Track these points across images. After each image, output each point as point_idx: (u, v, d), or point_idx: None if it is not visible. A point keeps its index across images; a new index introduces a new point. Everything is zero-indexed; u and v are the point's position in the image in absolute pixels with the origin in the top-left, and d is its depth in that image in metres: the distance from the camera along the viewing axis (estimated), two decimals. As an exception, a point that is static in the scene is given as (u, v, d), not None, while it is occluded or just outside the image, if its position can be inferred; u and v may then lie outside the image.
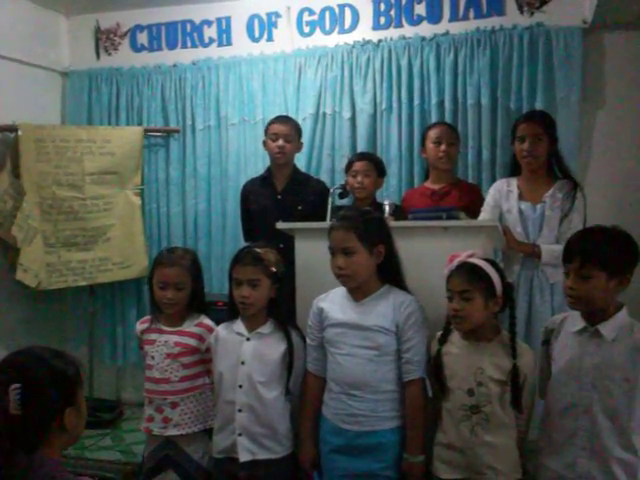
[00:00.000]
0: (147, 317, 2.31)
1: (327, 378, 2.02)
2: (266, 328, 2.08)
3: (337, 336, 1.98)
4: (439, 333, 1.97)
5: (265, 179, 3.12)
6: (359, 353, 1.93)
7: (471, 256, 1.89)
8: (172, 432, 2.15)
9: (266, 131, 3.08)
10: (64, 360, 1.37)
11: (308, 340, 2.08)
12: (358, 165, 2.88)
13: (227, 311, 2.16)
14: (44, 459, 1.30)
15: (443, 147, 2.90)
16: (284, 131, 2.99)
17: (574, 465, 1.78)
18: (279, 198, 3.04)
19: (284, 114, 3.31)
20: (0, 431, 1.28)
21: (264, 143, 3.10)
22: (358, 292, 1.99)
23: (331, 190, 2.71)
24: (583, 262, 1.74)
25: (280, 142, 2.98)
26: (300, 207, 2.94)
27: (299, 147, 3.14)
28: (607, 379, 1.74)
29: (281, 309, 2.10)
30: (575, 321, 1.85)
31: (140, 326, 2.29)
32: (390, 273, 2.00)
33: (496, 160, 3.21)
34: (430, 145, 2.94)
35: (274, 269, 2.05)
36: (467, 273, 1.85)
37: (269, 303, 2.08)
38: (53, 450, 1.33)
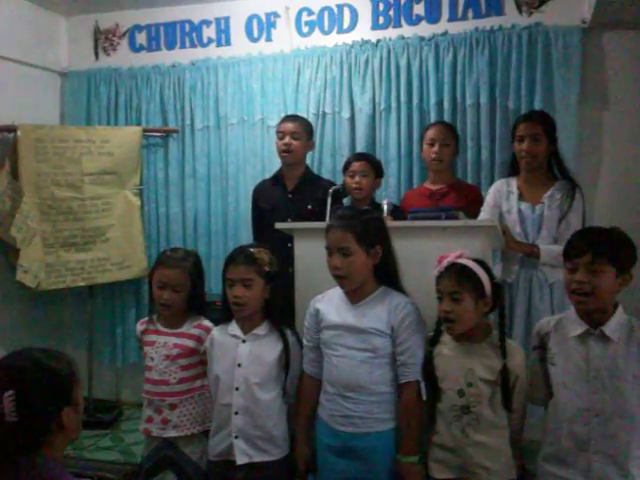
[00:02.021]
0: (146, 318, 2.31)
1: (323, 379, 2.01)
2: (262, 329, 2.06)
3: (333, 338, 1.97)
4: (430, 334, 1.97)
5: (276, 179, 3.12)
6: (354, 355, 1.92)
7: (459, 256, 1.89)
8: (171, 433, 2.15)
9: (277, 131, 3.09)
10: (57, 360, 1.36)
11: (305, 341, 2.08)
12: (356, 165, 2.87)
13: (221, 313, 2.15)
14: (46, 461, 1.29)
15: (435, 149, 2.90)
16: (290, 129, 2.99)
17: (589, 471, 1.76)
18: (290, 197, 3.04)
19: (292, 113, 3.31)
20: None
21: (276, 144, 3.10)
22: (355, 294, 1.98)
23: (330, 190, 2.70)
24: (595, 256, 1.74)
25: (286, 140, 2.98)
26: (310, 206, 2.94)
27: (309, 146, 3.12)
28: (618, 379, 1.74)
29: (277, 310, 2.09)
30: (572, 324, 1.83)
31: (140, 327, 2.29)
32: (387, 274, 1.99)
33: (495, 160, 3.21)
34: (425, 146, 2.95)
35: (267, 269, 2.04)
36: (456, 274, 1.85)
37: (264, 304, 2.07)
38: (54, 449, 1.32)
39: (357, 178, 2.85)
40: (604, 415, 1.75)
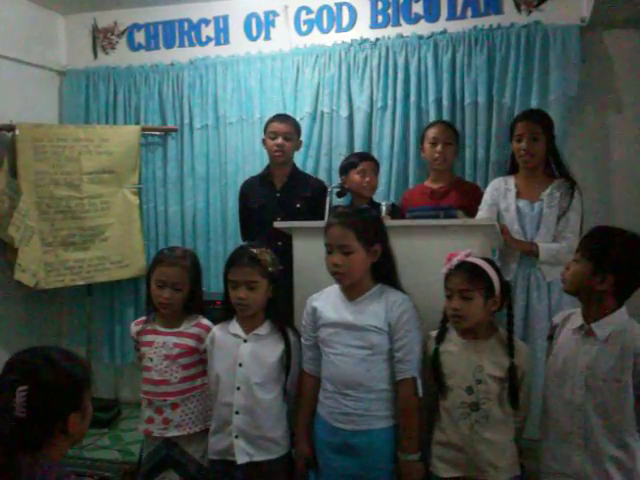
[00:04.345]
0: (142, 318, 2.29)
1: (322, 377, 2.01)
2: (263, 329, 2.06)
3: (330, 336, 1.97)
4: (435, 332, 1.98)
5: (264, 177, 3.12)
6: (352, 352, 1.92)
7: (468, 255, 1.90)
8: (173, 433, 2.14)
9: (265, 129, 3.08)
10: (74, 363, 1.36)
11: (303, 340, 2.08)
12: (366, 164, 2.90)
13: (222, 312, 2.15)
14: (47, 461, 1.29)
15: (438, 148, 2.91)
16: (283, 129, 3.00)
17: (569, 462, 1.79)
18: (278, 196, 3.04)
19: (283, 112, 3.31)
20: (4, 432, 1.26)
21: (263, 142, 3.10)
22: (352, 291, 1.98)
23: (329, 189, 2.71)
24: (578, 248, 1.83)
25: (279, 140, 2.98)
26: (299, 205, 2.95)
27: (298, 145, 3.14)
28: (598, 379, 1.75)
29: (278, 309, 2.09)
30: (577, 319, 1.86)
31: (135, 327, 2.27)
32: (384, 272, 1.99)
33: (490, 158, 3.20)
34: (427, 145, 2.96)
35: (270, 269, 2.04)
36: (467, 272, 1.86)
37: (266, 304, 2.07)
38: (56, 451, 1.32)
39: (368, 178, 2.87)
40: (584, 411, 1.77)
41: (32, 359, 1.33)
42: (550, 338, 1.97)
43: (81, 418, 1.35)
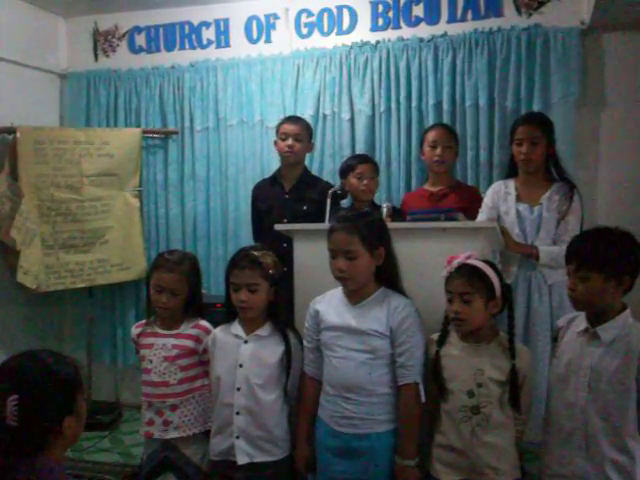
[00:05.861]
0: (142, 321, 2.31)
1: (323, 380, 2.01)
2: (264, 331, 2.06)
3: (332, 339, 1.97)
4: (436, 335, 1.97)
5: (275, 179, 3.14)
6: (354, 356, 1.92)
7: (469, 257, 1.90)
8: (173, 435, 2.15)
9: (277, 131, 3.10)
10: (65, 365, 1.34)
11: (305, 342, 2.08)
12: (364, 168, 2.90)
13: (224, 314, 2.15)
14: (45, 465, 1.28)
15: (438, 151, 2.91)
16: (294, 130, 3.02)
17: (571, 464, 1.79)
18: (286, 198, 3.05)
19: (293, 114, 3.33)
20: None
21: (275, 143, 3.12)
22: (355, 295, 1.98)
23: (329, 192, 2.70)
24: (580, 264, 1.77)
25: (289, 141, 3.00)
26: (305, 207, 2.96)
27: (309, 147, 3.16)
28: (602, 381, 1.75)
29: (280, 311, 2.09)
30: (581, 321, 1.86)
31: (135, 330, 2.28)
32: (387, 275, 1.99)
33: (493, 161, 3.21)
34: (427, 148, 2.96)
35: (272, 272, 2.04)
36: (467, 274, 1.86)
37: (267, 305, 2.07)
38: (54, 454, 1.31)
39: (366, 181, 2.87)
40: (587, 413, 1.76)
41: (21, 365, 1.31)
42: (554, 340, 1.97)
43: (76, 421, 1.33)
